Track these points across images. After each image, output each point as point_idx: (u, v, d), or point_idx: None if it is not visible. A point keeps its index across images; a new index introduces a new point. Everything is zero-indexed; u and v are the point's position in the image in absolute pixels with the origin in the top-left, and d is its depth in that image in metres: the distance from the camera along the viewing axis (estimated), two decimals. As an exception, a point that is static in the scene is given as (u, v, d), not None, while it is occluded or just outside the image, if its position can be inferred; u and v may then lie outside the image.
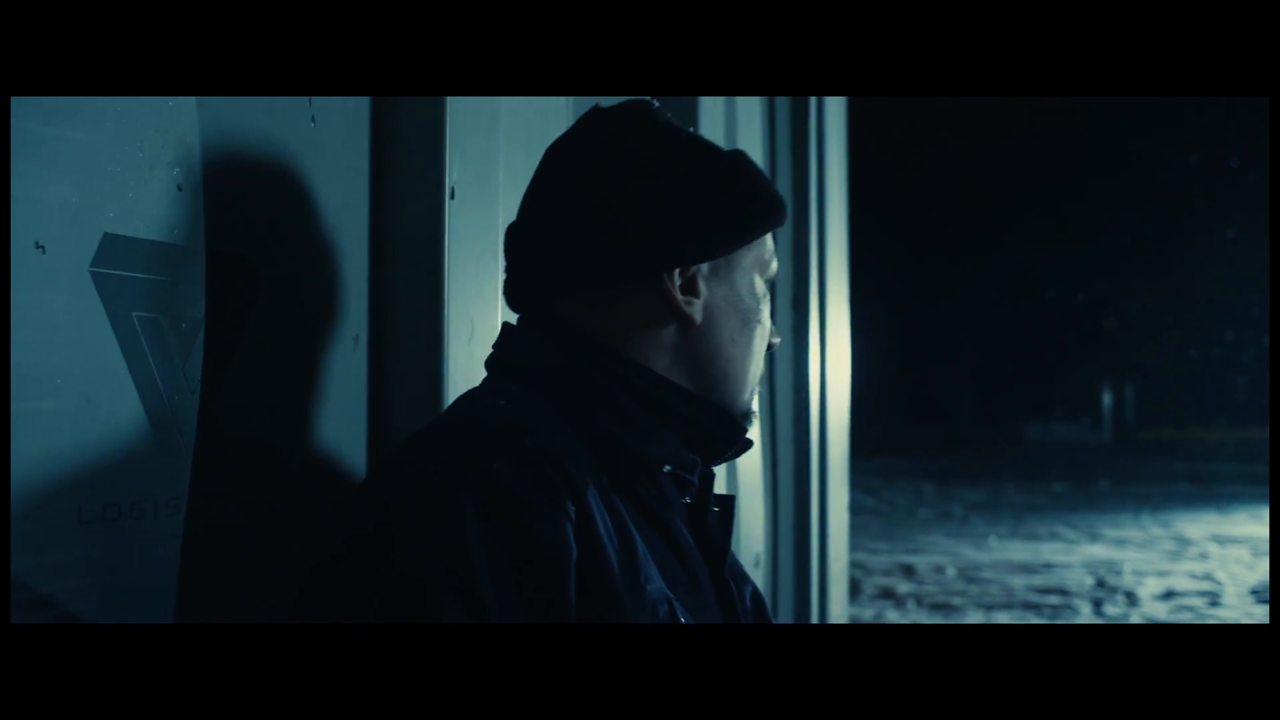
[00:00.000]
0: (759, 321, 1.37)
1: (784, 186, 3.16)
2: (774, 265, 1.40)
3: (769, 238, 1.39)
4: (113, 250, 1.18)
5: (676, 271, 1.29)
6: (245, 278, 1.35)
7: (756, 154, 2.94)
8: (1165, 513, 14.43)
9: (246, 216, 1.35)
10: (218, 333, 1.31)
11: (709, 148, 1.36)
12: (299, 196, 1.44)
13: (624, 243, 1.28)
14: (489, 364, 1.36)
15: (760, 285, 1.37)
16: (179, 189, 1.26)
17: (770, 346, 1.42)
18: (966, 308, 33.53)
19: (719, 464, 1.39)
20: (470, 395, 1.32)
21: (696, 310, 1.31)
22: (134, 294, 1.20)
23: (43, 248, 1.10)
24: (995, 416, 32.31)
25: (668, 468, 1.27)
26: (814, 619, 3.17)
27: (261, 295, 1.37)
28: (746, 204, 1.33)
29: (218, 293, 1.31)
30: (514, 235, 1.38)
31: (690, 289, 1.31)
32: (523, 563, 1.07)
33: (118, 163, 1.18)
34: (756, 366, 1.39)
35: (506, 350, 1.35)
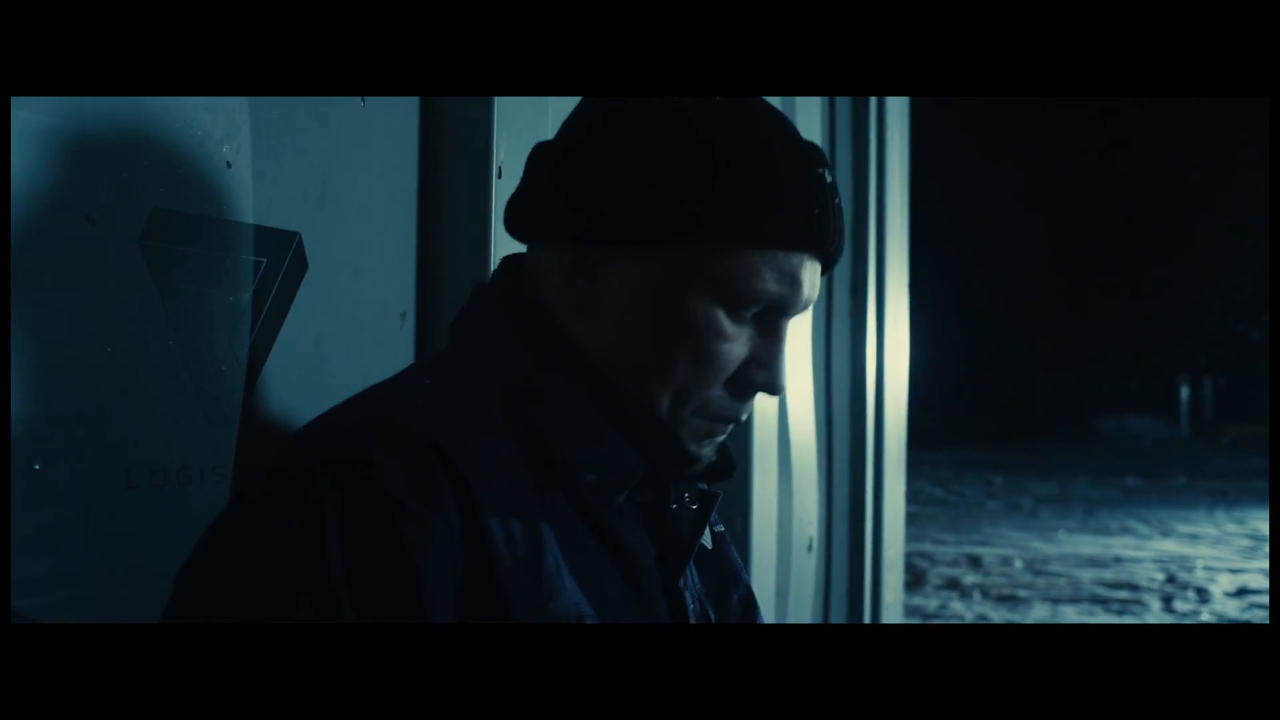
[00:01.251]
0: (688, 351, 1.10)
1: (843, 177, 3.15)
2: (756, 294, 1.10)
3: (757, 266, 1.09)
4: (162, 224, 1.21)
5: (575, 248, 1.12)
6: (293, 253, 1.38)
7: (815, 137, 2.93)
8: (1241, 509, 14.15)
9: (295, 193, 1.38)
10: (265, 306, 1.34)
11: (736, 150, 1.09)
12: (347, 173, 1.46)
13: (538, 199, 1.16)
14: (450, 327, 1.23)
15: (707, 311, 1.10)
16: (228, 165, 1.29)
17: (749, 386, 1.15)
18: (1041, 299, 33.09)
19: (681, 476, 1.20)
20: (412, 368, 1.24)
21: (582, 292, 1.13)
22: (183, 267, 1.23)
23: (93, 220, 1.14)
24: (1069, 410, 31.87)
25: (592, 477, 1.11)
26: (867, 605, 3.16)
27: (309, 270, 1.40)
28: (677, 202, 1.08)
29: (266, 267, 1.34)
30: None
31: (583, 268, 1.12)
32: (381, 564, 0.97)
33: (168, 139, 1.22)
34: (678, 395, 1.13)
35: (466, 311, 1.22)
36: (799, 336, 2.88)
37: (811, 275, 1.13)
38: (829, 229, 1.11)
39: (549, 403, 1.12)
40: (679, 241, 1.08)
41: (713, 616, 1.24)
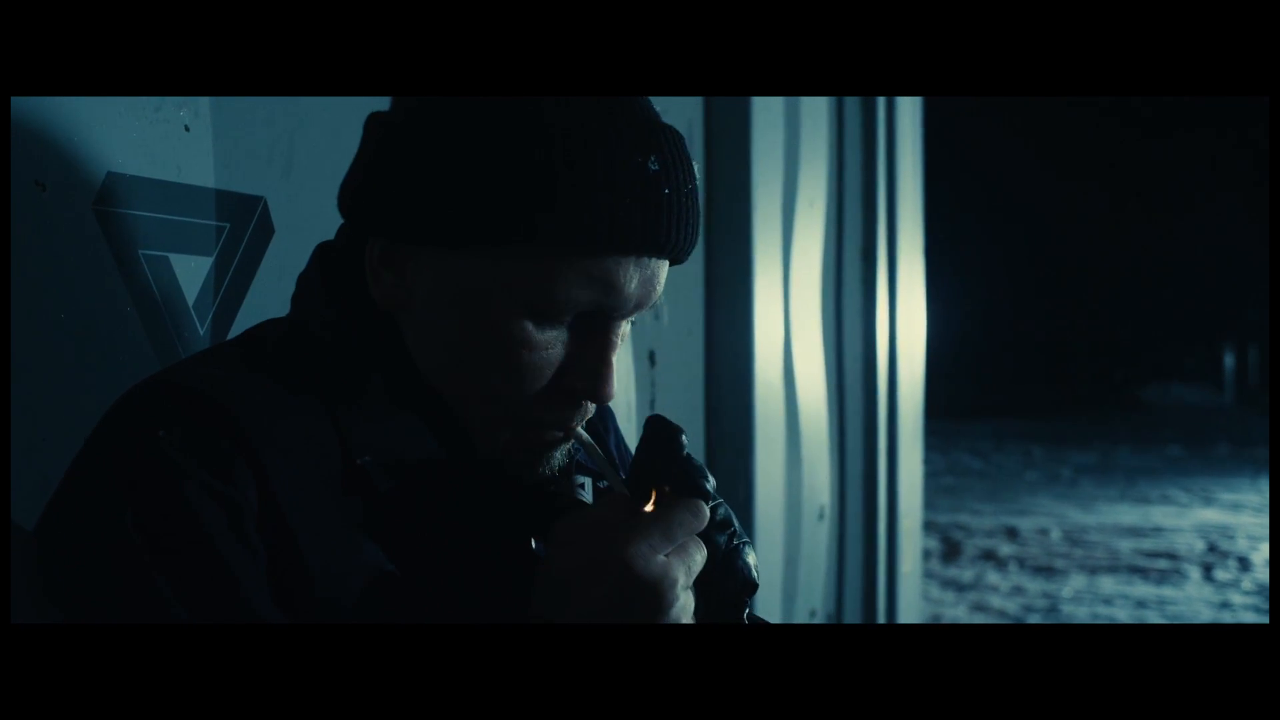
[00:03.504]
0: (494, 360, 1.03)
1: (851, 131, 3.11)
2: (561, 302, 1.01)
3: (558, 272, 1.00)
4: (117, 188, 1.20)
5: (382, 242, 1.04)
6: (258, 218, 1.37)
7: (822, 116, 2.89)
8: (1287, 477, 13.96)
9: (260, 157, 1.37)
10: (229, 272, 1.33)
11: (531, 138, 0.97)
12: (315, 138, 1.45)
13: (354, 183, 1.08)
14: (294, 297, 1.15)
15: (510, 319, 1.01)
16: (186, 129, 1.27)
17: (569, 394, 1.06)
18: (1083, 266, 32.79)
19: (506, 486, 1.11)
20: (245, 333, 1.14)
21: (389, 289, 1.05)
22: (140, 232, 1.23)
23: (43, 185, 1.13)
24: (1111, 378, 31.57)
25: (366, 459, 1.02)
26: (882, 575, 3.14)
27: (275, 236, 1.39)
28: (470, 205, 0.98)
29: (229, 232, 1.33)
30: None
31: (391, 264, 1.05)
32: (178, 536, 0.92)
33: (121, 102, 1.21)
34: (488, 404, 1.06)
35: (302, 275, 1.14)
36: (807, 301, 2.85)
37: (638, 274, 1.02)
38: (651, 224, 0.99)
39: (346, 382, 1.05)
40: (476, 247, 1.00)
41: None
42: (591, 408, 1.09)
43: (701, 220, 1.06)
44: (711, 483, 1.06)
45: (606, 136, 0.98)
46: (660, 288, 1.06)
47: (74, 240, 1.16)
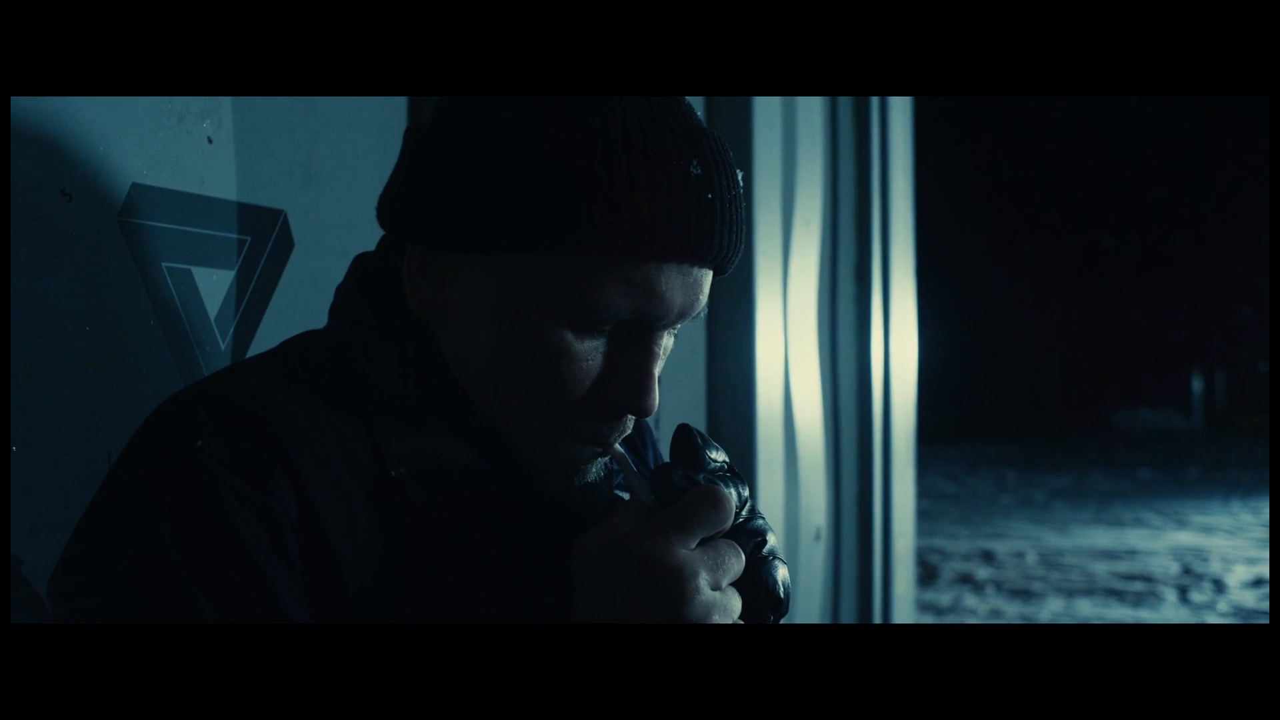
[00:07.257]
0: (532, 370, 1.01)
1: (845, 152, 3.12)
2: (601, 309, 0.98)
3: (598, 278, 0.97)
4: (141, 200, 1.18)
5: (421, 250, 1.03)
6: (279, 231, 1.35)
7: (816, 118, 2.90)
8: (1256, 499, 14.06)
9: (280, 170, 1.36)
10: (250, 285, 1.31)
11: (561, 143, 0.95)
12: (335, 152, 1.44)
13: (393, 193, 1.06)
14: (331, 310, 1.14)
15: (549, 328, 0.99)
16: (209, 141, 1.26)
17: (609, 405, 1.03)
18: (1052, 291, 33.06)
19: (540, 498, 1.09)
20: (283, 344, 1.13)
21: (427, 299, 1.04)
22: (163, 244, 1.21)
23: (69, 195, 1.11)
24: (1081, 403, 31.79)
25: (401, 471, 1.01)
26: (877, 597, 3.13)
27: (295, 249, 1.37)
28: (508, 210, 0.96)
29: (250, 245, 1.31)
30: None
31: (428, 273, 1.03)
32: (215, 547, 0.91)
33: (145, 113, 1.19)
34: (526, 415, 1.03)
35: (340, 287, 1.13)
36: (804, 321, 2.85)
37: (681, 282, 1.00)
38: (695, 230, 0.97)
39: (383, 394, 1.03)
40: (514, 254, 0.98)
41: None
42: (632, 420, 1.07)
43: (745, 228, 1.04)
44: (744, 491, 1.04)
45: (647, 140, 0.96)
46: (704, 297, 1.04)
47: (99, 251, 1.14)
